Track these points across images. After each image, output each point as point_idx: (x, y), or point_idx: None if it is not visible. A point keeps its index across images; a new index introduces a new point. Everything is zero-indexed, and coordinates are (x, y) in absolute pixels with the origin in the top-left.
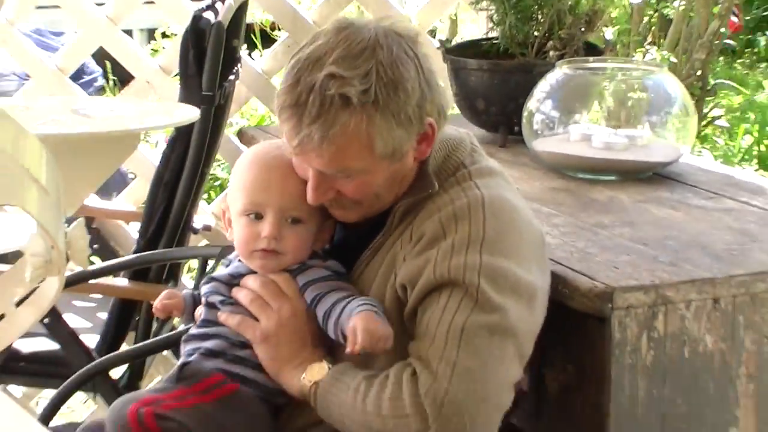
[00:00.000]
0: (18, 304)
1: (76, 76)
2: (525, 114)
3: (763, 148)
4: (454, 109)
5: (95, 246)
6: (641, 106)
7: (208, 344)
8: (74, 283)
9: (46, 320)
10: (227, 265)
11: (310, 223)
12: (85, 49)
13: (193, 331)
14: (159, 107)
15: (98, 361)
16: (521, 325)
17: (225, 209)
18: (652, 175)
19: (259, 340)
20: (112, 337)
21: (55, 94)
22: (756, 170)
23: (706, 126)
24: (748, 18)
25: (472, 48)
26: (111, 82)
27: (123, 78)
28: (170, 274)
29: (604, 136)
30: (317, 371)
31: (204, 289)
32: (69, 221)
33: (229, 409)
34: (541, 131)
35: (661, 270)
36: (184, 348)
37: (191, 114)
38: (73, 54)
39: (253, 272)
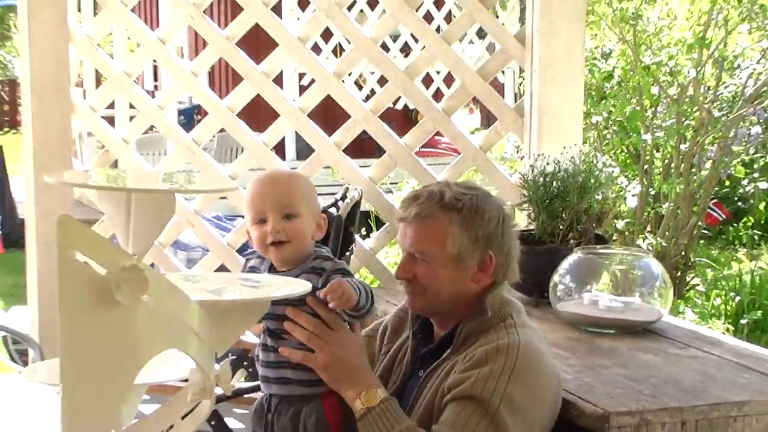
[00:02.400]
0: (183, 417)
1: (244, 248)
2: (551, 284)
3: (729, 307)
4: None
5: (249, 370)
6: (633, 280)
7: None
8: (234, 396)
9: (212, 422)
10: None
11: (302, 216)
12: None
13: (262, 357)
14: (291, 281)
15: None
16: None
17: (247, 231)
18: (641, 330)
19: (321, 369)
20: None
21: (226, 263)
22: (723, 323)
23: (688, 291)
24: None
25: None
26: None
27: None
28: None
29: (607, 301)
30: (371, 397)
31: None
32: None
33: None
34: (563, 297)
35: (644, 400)
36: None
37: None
38: (239, 234)
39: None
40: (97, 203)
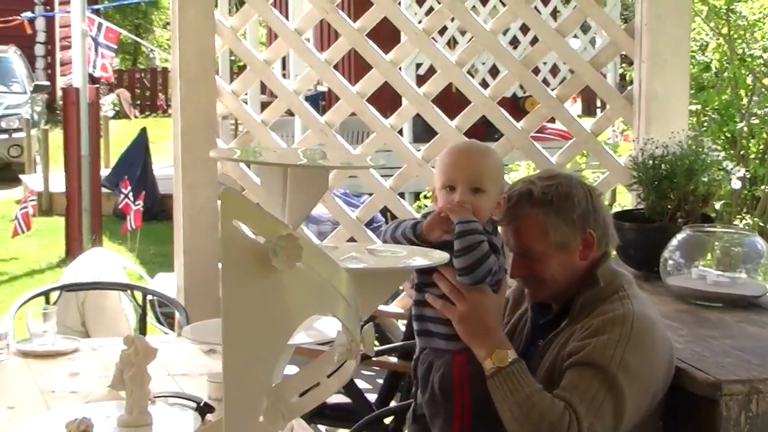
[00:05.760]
0: (328, 376)
1: (368, 224)
2: (661, 260)
3: None
4: (615, 255)
5: (376, 335)
6: (739, 257)
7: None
8: (363, 360)
9: None
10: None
11: (489, 193)
12: (374, 207)
13: (414, 311)
14: (421, 251)
15: (376, 412)
16: (630, 410)
17: (434, 191)
18: (747, 304)
19: (457, 321)
20: (385, 395)
21: (355, 236)
22: None
23: None
24: None
25: (627, 214)
26: None
27: None
28: None
29: (714, 277)
30: (502, 357)
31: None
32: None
33: None
34: (672, 272)
35: (754, 369)
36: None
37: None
38: (366, 210)
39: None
40: (257, 177)
